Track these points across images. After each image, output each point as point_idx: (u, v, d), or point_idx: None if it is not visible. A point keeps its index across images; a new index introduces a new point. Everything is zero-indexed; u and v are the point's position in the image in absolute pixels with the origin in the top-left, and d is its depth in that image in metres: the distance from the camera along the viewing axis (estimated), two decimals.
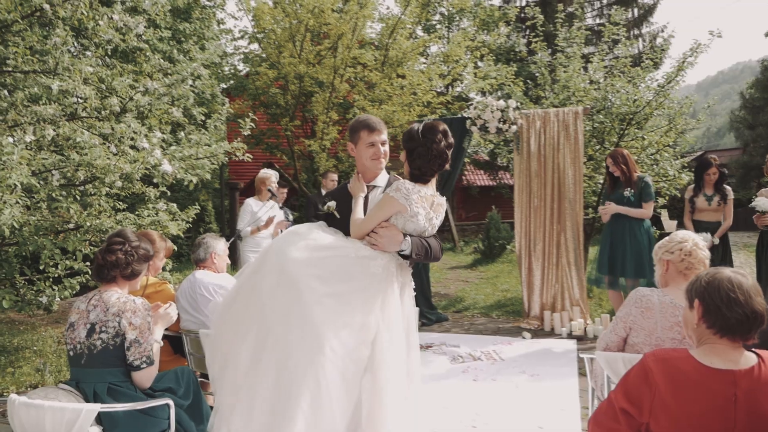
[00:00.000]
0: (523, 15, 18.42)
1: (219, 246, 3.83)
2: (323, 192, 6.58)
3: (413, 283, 2.69)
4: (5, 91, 5.11)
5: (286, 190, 6.56)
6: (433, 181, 2.66)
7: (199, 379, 3.15)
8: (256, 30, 12.60)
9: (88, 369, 2.59)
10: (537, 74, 8.75)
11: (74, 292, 4.93)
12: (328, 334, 2.24)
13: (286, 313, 2.31)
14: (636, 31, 21.67)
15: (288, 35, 11.37)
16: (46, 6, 5.63)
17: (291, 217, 6.57)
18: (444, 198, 2.72)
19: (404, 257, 2.52)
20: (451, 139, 2.62)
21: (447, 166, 2.65)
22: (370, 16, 11.77)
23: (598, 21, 20.77)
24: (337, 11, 11.54)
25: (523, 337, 6.01)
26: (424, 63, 13.54)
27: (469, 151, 10.16)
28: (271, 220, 5.84)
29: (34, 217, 4.17)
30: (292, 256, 2.38)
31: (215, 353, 2.54)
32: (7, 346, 6.20)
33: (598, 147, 7.63)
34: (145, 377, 2.65)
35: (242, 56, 14.04)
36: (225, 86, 13.85)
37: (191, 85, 5.00)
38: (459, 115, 7.19)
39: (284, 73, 11.33)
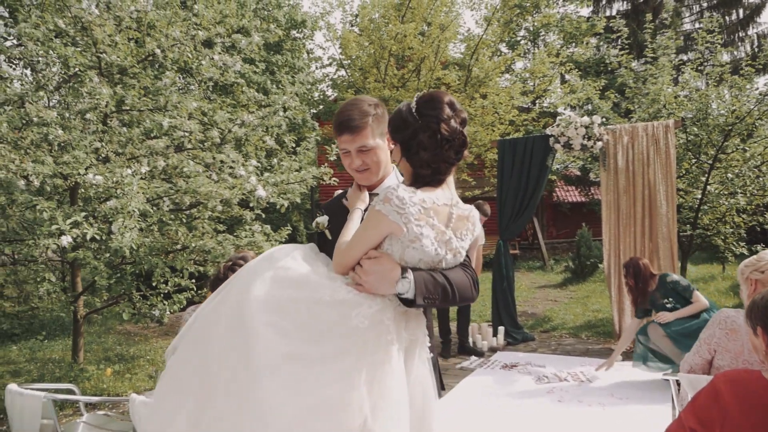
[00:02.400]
0: (610, 25, 17.84)
1: None
2: None
3: (428, 341, 1.77)
4: (124, 128, 5.78)
5: None
6: (450, 182, 1.75)
7: None
8: (342, 57, 13.20)
9: None
10: (625, 88, 8.50)
11: (182, 307, 5.45)
12: (278, 422, 1.42)
13: (231, 380, 1.52)
14: (741, 33, 20.24)
15: (373, 61, 11.81)
16: (158, 51, 6.33)
17: None
18: (471, 208, 1.77)
19: (406, 303, 1.62)
20: (464, 113, 1.73)
21: (466, 154, 1.76)
22: (452, 37, 11.98)
23: (697, 26, 19.63)
24: (420, 34, 11.85)
25: None
26: (508, 79, 13.50)
27: (555, 167, 9.98)
28: None
29: (148, 239, 4.69)
30: (253, 293, 1.59)
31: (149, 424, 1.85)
32: (125, 355, 6.89)
33: (694, 161, 7.25)
34: None
35: (330, 82, 14.72)
36: (315, 111, 14.56)
37: (283, 115, 5.41)
38: (542, 133, 7.14)
39: None
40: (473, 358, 6.12)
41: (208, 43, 6.67)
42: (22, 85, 5.39)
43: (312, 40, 14.98)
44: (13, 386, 2.81)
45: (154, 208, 4.73)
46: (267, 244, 5.53)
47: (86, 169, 4.30)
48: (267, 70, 12.66)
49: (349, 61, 13.01)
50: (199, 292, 5.31)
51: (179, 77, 6.24)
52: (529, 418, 4.24)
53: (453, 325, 6.65)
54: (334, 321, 1.55)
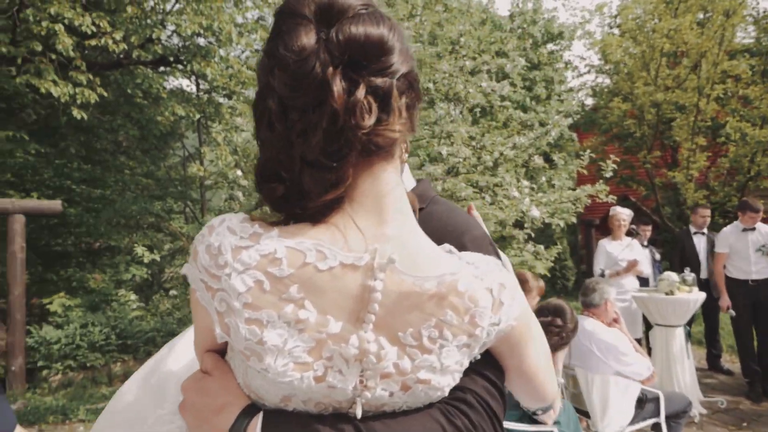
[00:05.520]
0: None
1: (612, 293, 3.70)
2: (692, 229, 6.04)
3: None
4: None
5: (649, 228, 6.25)
6: (392, 206, 0.76)
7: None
8: (602, 62, 12.51)
9: None
10: None
11: None
12: None
13: None
14: None
15: (641, 64, 10.91)
16: (431, 85, 6.94)
17: (658, 257, 6.21)
18: (473, 273, 0.76)
19: None
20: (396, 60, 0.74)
21: (405, 156, 0.83)
22: (741, 20, 10.33)
23: None
24: (698, 24, 10.52)
25: None
26: None
27: None
28: (633, 265, 5.31)
29: None
30: (166, 365, 1.04)
31: None
32: None
33: None
34: (546, 419, 2.94)
35: (588, 90, 14.06)
36: (572, 121, 14.06)
37: (554, 135, 5.42)
38: None
39: (639, 104, 10.88)
40: None
41: (472, 72, 7.08)
42: None
43: (570, 50, 14.57)
44: None
45: None
46: (537, 262, 5.56)
47: None
48: (524, 86, 12.74)
49: (610, 66, 12.26)
50: None
51: (450, 106, 6.75)
52: None
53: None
54: None
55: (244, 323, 0.67)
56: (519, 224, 5.14)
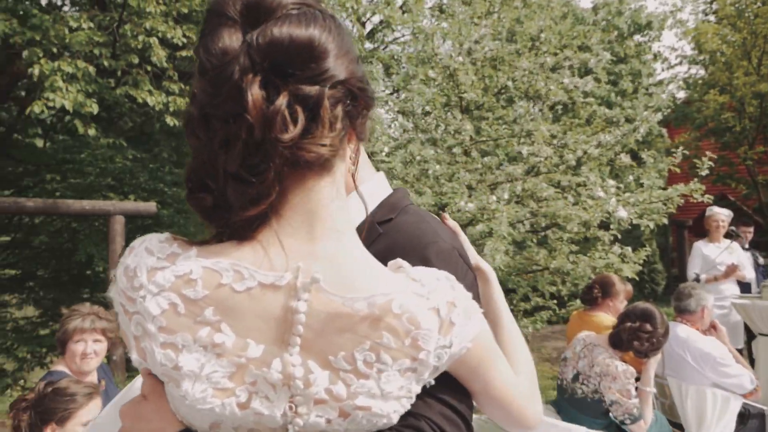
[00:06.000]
0: None
1: (710, 300, 3.51)
2: None
3: None
4: (484, 158, 6.37)
5: (751, 229, 5.76)
6: (321, 222, 0.71)
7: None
8: (696, 52, 11.71)
9: (570, 408, 2.96)
10: None
11: (542, 325, 5.66)
12: None
13: None
14: None
15: (741, 52, 10.13)
16: (509, 83, 6.79)
17: (762, 260, 5.71)
18: (417, 293, 0.70)
19: None
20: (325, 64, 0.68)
21: (351, 172, 0.78)
22: None
23: None
24: None
25: None
26: None
27: None
28: (733, 269, 4.98)
29: (512, 259, 5.05)
30: (135, 388, 1.10)
31: None
32: None
33: None
34: (635, 430, 2.81)
35: (680, 83, 13.21)
36: (662, 116, 13.26)
37: (642, 132, 5.14)
38: None
39: (739, 95, 10.09)
40: None
41: (553, 68, 6.85)
42: (405, 131, 6.51)
43: (659, 41, 13.78)
44: None
45: (515, 231, 5.08)
46: (624, 266, 5.28)
47: (459, 197, 4.91)
48: (609, 81, 12.17)
49: (705, 56, 11.45)
50: (560, 311, 5.44)
51: (530, 104, 6.58)
52: None
53: None
54: None
55: (160, 347, 0.64)
56: (604, 225, 4.90)
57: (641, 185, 5.44)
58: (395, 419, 0.68)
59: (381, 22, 12.30)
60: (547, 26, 7.03)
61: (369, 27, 12.53)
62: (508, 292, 5.65)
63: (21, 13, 5.78)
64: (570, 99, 6.88)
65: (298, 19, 0.64)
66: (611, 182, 4.80)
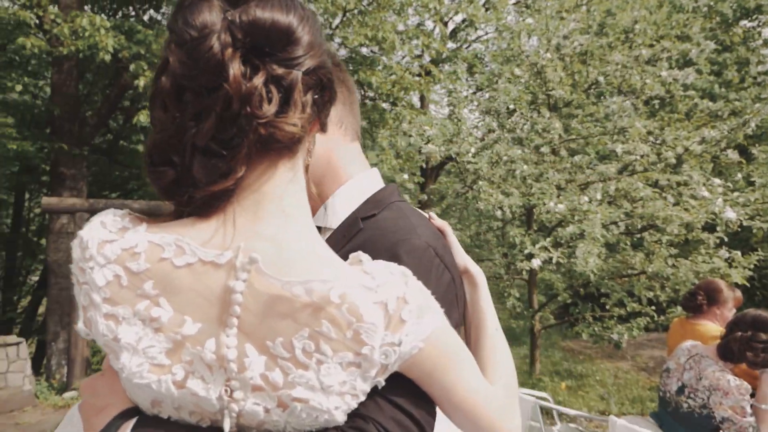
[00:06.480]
0: None
1: None
2: None
3: None
4: (574, 157, 6.14)
5: None
6: (277, 203, 0.71)
7: None
8: None
9: (674, 422, 2.78)
10: None
11: (639, 333, 5.36)
12: None
13: None
14: None
15: None
16: (600, 78, 6.49)
17: None
18: (351, 278, 0.68)
19: None
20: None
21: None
22: None
23: None
24: None
25: None
26: None
27: None
28: None
29: (605, 263, 4.82)
30: None
31: None
32: (573, 372, 7.23)
33: None
34: None
35: None
36: None
37: (755, 126, 4.74)
38: None
39: None
40: None
41: (649, 61, 6.48)
42: (490, 131, 6.40)
43: None
44: None
45: (609, 233, 4.85)
46: (733, 271, 4.89)
47: (548, 197, 4.76)
48: (711, 71, 11.32)
49: None
50: (658, 318, 5.10)
51: (624, 100, 6.26)
52: None
53: None
54: None
55: (103, 318, 0.64)
56: (710, 227, 4.56)
57: (751, 183, 5.02)
58: (339, 417, 0.66)
59: (463, 20, 12.17)
60: (642, 17, 6.66)
61: (451, 26, 12.45)
62: (601, 296, 5.41)
63: (126, 29, 6.26)
64: (668, 93, 6.48)
65: (279, 4, 0.66)
66: (717, 181, 4.46)
